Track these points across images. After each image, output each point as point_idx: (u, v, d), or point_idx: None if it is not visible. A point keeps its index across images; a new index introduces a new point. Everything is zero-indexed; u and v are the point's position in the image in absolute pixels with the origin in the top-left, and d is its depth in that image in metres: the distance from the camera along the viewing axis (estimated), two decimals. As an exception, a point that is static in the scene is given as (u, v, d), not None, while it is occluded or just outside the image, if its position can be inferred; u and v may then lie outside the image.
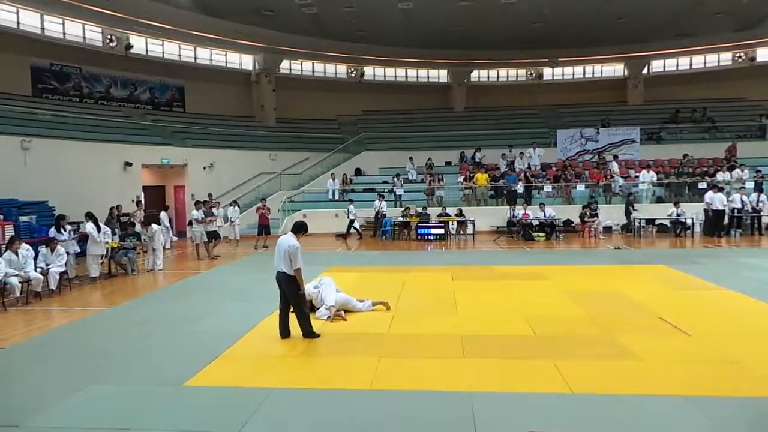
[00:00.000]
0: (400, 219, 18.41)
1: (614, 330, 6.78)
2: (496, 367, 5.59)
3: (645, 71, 29.71)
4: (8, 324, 8.00)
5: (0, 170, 15.47)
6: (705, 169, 20.56)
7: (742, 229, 17.13)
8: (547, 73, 30.77)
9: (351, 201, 19.37)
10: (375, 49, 27.45)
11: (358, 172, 24.17)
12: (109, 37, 21.86)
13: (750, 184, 18.43)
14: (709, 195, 16.93)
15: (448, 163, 24.12)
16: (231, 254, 15.42)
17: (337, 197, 21.61)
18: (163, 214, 16.89)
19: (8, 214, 13.36)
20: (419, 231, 17.72)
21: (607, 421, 4.35)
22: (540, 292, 9.12)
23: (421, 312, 8.00)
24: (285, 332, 6.73)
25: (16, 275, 9.25)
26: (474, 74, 30.57)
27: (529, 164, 22.20)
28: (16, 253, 9.51)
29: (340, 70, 29.22)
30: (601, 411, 4.54)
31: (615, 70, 30.46)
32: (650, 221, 17.86)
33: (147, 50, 23.38)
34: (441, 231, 17.54)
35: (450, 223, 18.09)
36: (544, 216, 17.35)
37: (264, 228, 16.99)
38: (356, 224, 18.90)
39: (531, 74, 30.92)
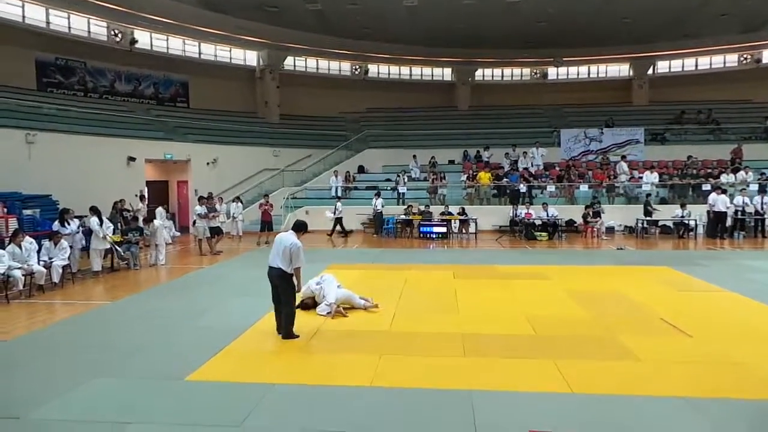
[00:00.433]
0: (403, 217, 18.42)
1: (616, 330, 6.77)
2: (497, 366, 5.60)
3: (650, 72, 29.56)
4: (11, 317, 8.04)
5: (4, 164, 15.49)
6: (709, 170, 20.49)
7: (745, 232, 17.09)
8: (552, 72, 30.65)
9: (338, 198, 19.22)
10: (379, 47, 27.41)
11: (361, 169, 24.15)
12: (113, 31, 21.86)
13: (754, 187, 18.36)
14: (713, 197, 16.89)
15: (451, 162, 24.10)
16: (233, 250, 15.44)
17: (340, 194, 21.61)
18: (159, 209, 16.85)
19: (12, 207, 13.37)
20: (422, 229, 17.72)
21: (608, 422, 4.35)
22: (542, 292, 9.12)
23: (422, 310, 8.01)
24: (279, 328, 6.76)
25: (19, 268, 9.27)
26: (478, 73, 30.48)
27: (531, 163, 22.16)
28: (20, 246, 9.55)
29: (345, 67, 29.18)
30: (601, 411, 4.55)
31: (620, 70, 30.32)
32: (653, 222, 17.83)
33: (152, 45, 23.37)
34: (443, 229, 17.53)
35: (452, 221, 18.09)
36: (547, 216, 17.33)
37: (266, 224, 17.00)
38: (342, 222, 18.72)
39: (535, 74, 30.81)
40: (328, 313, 7.54)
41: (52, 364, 5.78)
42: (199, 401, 4.82)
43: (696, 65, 29.35)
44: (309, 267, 10.64)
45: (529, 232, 17.17)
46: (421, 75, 30.50)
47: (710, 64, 29.17)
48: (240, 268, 12.20)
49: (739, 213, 16.93)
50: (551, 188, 20.18)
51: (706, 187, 18.83)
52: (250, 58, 26.86)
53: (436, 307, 8.15)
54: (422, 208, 18.83)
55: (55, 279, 10.00)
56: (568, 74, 30.76)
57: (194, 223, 15.33)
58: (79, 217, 12.13)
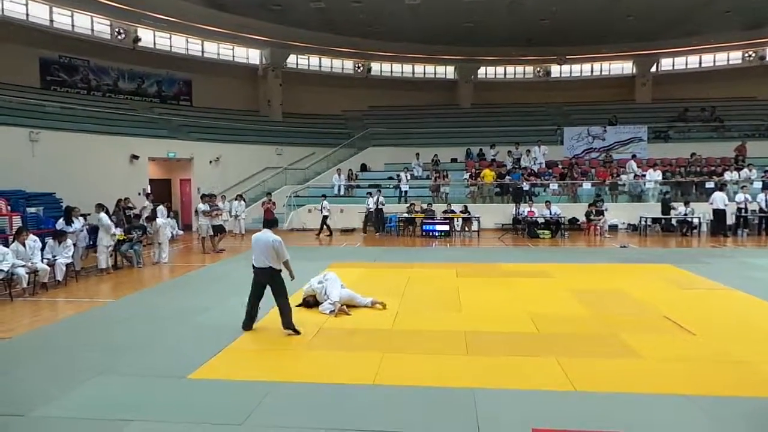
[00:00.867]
0: (405, 215, 18.41)
1: (618, 328, 6.76)
2: (500, 364, 5.59)
3: (653, 69, 29.46)
4: (15, 314, 8.07)
5: (8, 162, 15.56)
6: (713, 168, 20.42)
7: (749, 229, 17.03)
8: (555, 70, 30.53)
9: (324, 197, 19.05)
10: (382, 45, 27.36)
11: (363, 167, 24.14)
12: (117, 30, 21.91)
13: (758, 184, 18.29)
14: (716, 194, 16.86)
15: (453, 160, 24.06)
16: (236, 248, 15.46)
17: (342, 192, 21.62)
18: (160, 208, 16.85)
19: (16, 205, 13.44)
20: (424, 227, 17.71)
21: (610, 419, 4.34)
22: (544, 290, 9.11)
23: (425, 308, 8.01)
24: (249, 325, 6.84)
25: (23, 266, 9.31)
26: (481, 71, 30.43)
27: (534, 161, 22.11)
28: (24, 244, 9.58)
29: (347, 65, 29.17)
30: (604, 409, 4.54)
31: (623, 67, 30.20)
32: (656, 220, 17.79)
33: (155, 43, 23.41)
34: (446, 227, 17.52)
35: (455, 219, 18.07)
36: (550, 214, 17.29)
37: (269, 222, 16.94)
38: (328, 221, 18.55)
39: (539, 72, 30.72)
40: (331, 311, 7.56)
41: (55, 362, 5.80)
42: (202, 399, 4.82)
43: (700, 62, 29.22)
44: (310, 266, 10.70)
45: (531, 231, 17.14)
46: (424, 73, 30.47)
47: (714, 62, 29.05)
48: (242, 266, 12.13)
49: (742, 210, 16.89)
50: (554, 186, 20.13)
51: (710, 184, 18.77)
52: (253, 56, 26.88)
53: (439, 305, 8.16)
54: (425, 206, 18.83)
55: (59, 277, 10.03)
56: (571, 72, 30.68)
57: (195, 212, 15.39)
58: (84, 215, 12.18)
